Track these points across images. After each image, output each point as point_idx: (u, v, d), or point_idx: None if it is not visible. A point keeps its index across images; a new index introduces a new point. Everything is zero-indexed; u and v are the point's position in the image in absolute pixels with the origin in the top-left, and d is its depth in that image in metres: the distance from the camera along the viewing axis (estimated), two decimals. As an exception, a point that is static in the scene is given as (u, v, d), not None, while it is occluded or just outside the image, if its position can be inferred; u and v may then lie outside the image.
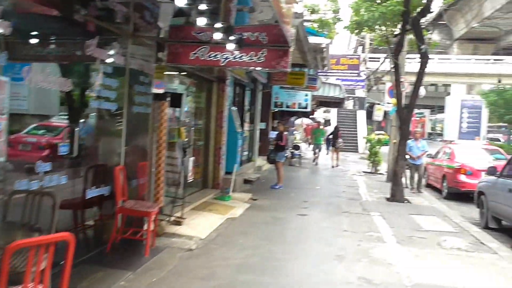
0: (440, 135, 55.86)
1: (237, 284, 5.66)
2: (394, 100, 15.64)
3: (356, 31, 13.19)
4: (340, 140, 22.16)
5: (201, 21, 5.25)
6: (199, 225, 8.25)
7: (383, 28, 13.52)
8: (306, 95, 18.33)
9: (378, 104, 26.75)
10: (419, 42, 11.86)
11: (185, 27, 6.99)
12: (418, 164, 14.09)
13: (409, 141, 13.25)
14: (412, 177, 14.24)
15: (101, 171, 6.51)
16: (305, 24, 10.92)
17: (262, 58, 6.98)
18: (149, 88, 7.08)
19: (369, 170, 19.32)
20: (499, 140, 37.49)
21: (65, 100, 5.78)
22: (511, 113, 29.57)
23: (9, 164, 4.43)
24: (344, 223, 9.13)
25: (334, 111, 38.06)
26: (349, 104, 36.78)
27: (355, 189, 14.18)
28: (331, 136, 22.87)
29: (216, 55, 7.04)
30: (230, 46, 6.71)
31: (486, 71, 41.08)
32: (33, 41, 5.24)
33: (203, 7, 5.30)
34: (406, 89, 15.99)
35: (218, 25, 5.66)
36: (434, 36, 14.64)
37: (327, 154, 24.16)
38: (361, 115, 36.28)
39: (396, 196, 12.15)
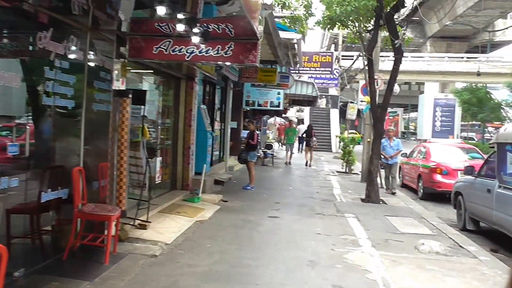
0: (414, 134, 56.45)
1: (202, 294, 5.30)
2: (367, 98, 15.46)
3: (329, 26, 12.91)
4: (314, 139, 21.99)
5: (162, 10, 4.85)
6: (165, 229, 7.85)
7: (356, 24, 13.30)
8: (279, 93, 18.04)
9: (352, 102, 26.64)
10: (393, 37, 11.65)
11: (147, 20, 6.58)
12: (390, 163, 13.86)
13: (382, 140, 13.04)
14: (387, 177, 14.01)
15: (58, 172, 6.07)
16: (276, 20, 10.58)
17: (229, 52, 6.63)
18: (109, 84, 6.64)
19: (343, 170, 19.14)
20: (473, 139, 37.94)
21: (15, 97, 5.29)
22: (484, 112, 29.81)
23: None
24: (318, 226, 8.83)
25: (307, 109, 37.94)
26: (322, 103, 36.68)
27: (329, 189, 13.93)
28: (304, 135, 22.70)
29: (180, 49, 6.67)
30: (195, 39, 6.37)
31: (460, 69, 41.45)
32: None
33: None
34: (380, 86, 15.80)
35: (180, 16, 5.27)
36: (407, 34, 14.48)
37: (300, 152, 23.95)
38: (335, 113, 36.22)
39: (371, 196, 11.92)
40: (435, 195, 13.38)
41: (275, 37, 8.97)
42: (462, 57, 44.18)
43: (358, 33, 14.00)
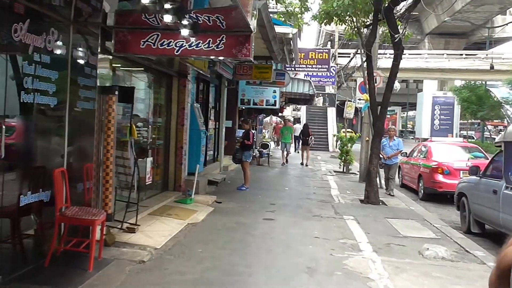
0: (412, 132, 56.19)
1: (191, 304, 4.93)
2: (366, 96, 15.08)
3: (325, 21, 12.53)
4: (311, 137, 21.71)
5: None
6: (155, 232, 7.49)
7: (354, 18, 12.93)
8: (275, 92, 17.64)
9: (349, 101, 26.24)
10: (393, 32, 11.28)
11: (134, 12, 6.20)
12: (389, 164, 13.43)
13: (383, 139, 12.67)
14: (386, 178, 13.59)
15: (39, 174, 5.70)
16: (270, 15, 10.18)
17: (221, 46, 6.26)
18: (94, 81, 6.26)
19: (340, 170, 18.78)
20: (473, 137, 37.67)
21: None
22: (484, 110, 29.48)
23: None
24: (315, 229, 8.46)
25: (303, 108, 37.58)
26: (319, 101, 36.31)
27: (327, 190, 13.57)
28: (300, 135, 22.37)
29: (169, 43, 6.29)
30: (184, 32, 6.00)
31: (459, 66, 41.07)
32: None
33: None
34: (379, 84, 15.44)
35: (167, 5, 4.89)
36: (406, 30, 14.08)
37: (297, 152, 23.59)
38: (332, 112, 35.88)
39: (370, 197, 11.56)
40: (436, 196, 13.01)
41: (270, 31, 8.59)
42: (461, 54, 43.78)
43: (356, 29, 13.62)
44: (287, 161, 20.60)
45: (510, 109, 30.23)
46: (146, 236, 7.23)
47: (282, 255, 6.83)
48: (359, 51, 19.78)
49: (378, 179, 12.89)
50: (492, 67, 30.47)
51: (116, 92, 6.35)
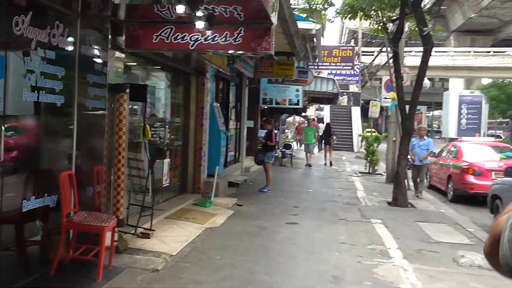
0: (438, 132, 54.95)
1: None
2: (393, 94, 14.49)
3: (349, 15, 12.01)
4: (334, 137, 21.16)
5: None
6: (171, 238, 7.11)
7: (379, 13, 12.38)
8: (297, 91, 17.15)
9: (375, 100, 25.54)
10: (421, 25, 10.69)
11: (146, 4, 5.82)
12: (419, 165, 12.78)
13: (412, 139, 12.06)
14: (415, 180, 12.94)
15: (44, 177, 5.36)
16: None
17: (239, 39, 5.83)
18: (104, 78, 5.90)
19: (366, 171, 18.18)
20: (500, 137, 36.51)
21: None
22: (514, 108, 28.45)
23: None
24: (341, 234, 7.98)
25: (327, 108, 36.90)
26: (343, 100, 35.58)
27: (352, 192, 13.03)
28: (323, 134, 21.83)
29: (184, 37, 5.89)
30: (199, 25, 5.58)
31: (486, 64, 39.78)
32: None
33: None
34: (406, 82, 14.83)
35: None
36: (432, 25, 13.45)
37: (320, 152, 23.02)
38: (356, 111, 35.14)
39: (398, 200, 11.01)
40: (467, 198, 12.36)
41: (292, 24, 8.13)
42: (489, 52, 42.46)
43: (381, 24, 13.04)
44: (310, 163, 19.89)
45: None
46: (161, 242, 6.85)
47: (306, 262, 6.38)
48: (384, 49, 19.17)
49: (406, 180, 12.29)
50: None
51: (128, 90, 5.97)
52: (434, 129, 63.91)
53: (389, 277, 5.78)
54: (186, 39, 5.87)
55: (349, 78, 28.06)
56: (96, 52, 5.90)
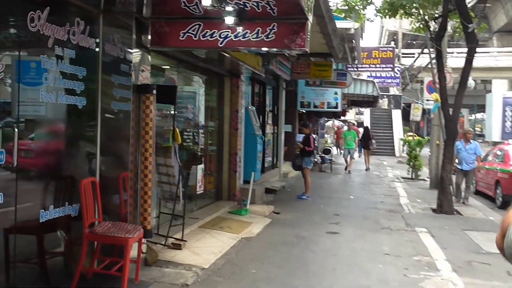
0: (481, 135, 53.05)
1: None
2: (435, 96, 13.75)
3: (390, 13, 11.41)
4: (373, 141, 20.47)
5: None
6: (204, 249, 6.70)
7: (421, 11, 11.73)
8: (336, 93, 16.60)
9: (416, 102, 24.70)
10: (466, 21, 10.01)
11: (172, -1, 5.46)
12: (466, 170, 12.01)
13: (457, 143, 11.33)
14: (458, 186, 12.16)
15: (65, 185, 5.03)
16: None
17: (271, 35, 5.38)
18: (129, 79, 5.55)
19: (408, 176, 17.41)
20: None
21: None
22: None
23: None
24: (385, 244, 7.42)
25: (367, 111, 35.99)
26: (383, 103, 34.65)
27: (395, 198, 12.36)
28: (361, 138, 21.18)
29: (212, 34, 5.48)
30: (229, 20, 5.17)
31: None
32: None
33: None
34: (449, 82, 14.07)
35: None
36: (476, 24, 12.69)
37: (360, 157, 22.29)
38: (397, 115, 34.12)
39: (443, 206, 10.33)
40: (518, 204, 11.50)
41: (329, 22, 7.63)
42: (535, 51, 40.56)
43: (423, 22, 12.37)
44: (350, 169, 19.13)
45: None
46: (193, 253, 6.46)
47: (348, 275, 5.88)
48: (425, 50, 18.38)
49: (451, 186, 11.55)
50: None
51: (154, 91, 5.60)
52: (477, 132, 61.86)
53: (439, 293, 5.21)
54: (215, 36, 5.45)
55: (389, 81, 27.22)
56: (120, 51, 5.56)
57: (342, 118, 28.71)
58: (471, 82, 13.15)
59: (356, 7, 12.78)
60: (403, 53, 33.07)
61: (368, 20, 13.68)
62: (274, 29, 5.38)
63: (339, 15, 12.24)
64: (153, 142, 5.69)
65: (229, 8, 5.13)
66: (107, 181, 5.44)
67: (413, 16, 12.24)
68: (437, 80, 12.15)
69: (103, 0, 5.21)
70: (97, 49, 5.22)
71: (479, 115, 63.75)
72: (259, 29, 5.39)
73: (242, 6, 5.23)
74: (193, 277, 5.59)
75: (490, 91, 48.78)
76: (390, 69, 22.63)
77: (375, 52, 21.72)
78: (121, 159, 5.65)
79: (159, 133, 6.39)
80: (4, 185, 4.10)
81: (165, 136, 6.39)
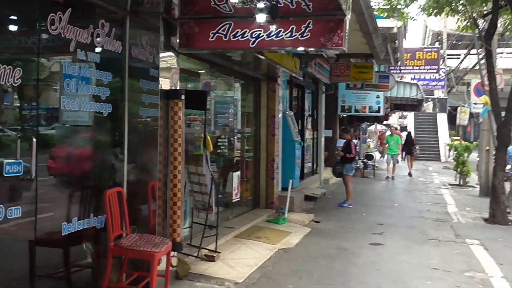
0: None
1: None
2: (485, 99, 12.99)
3: (435, 11, 10.82)
4: (416, 147, 19.76)
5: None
6: (238, 261, 6.37)
7: (468, 8, 11.09)
8: (378, 97, 16.01)
9: (463, 106, 23.72)
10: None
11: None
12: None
13: (509, 148, 10.63)
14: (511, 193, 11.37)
15: (90, 195, 4.79)
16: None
17: (307, 34, 5.02)
18: (157, 83, 5.28)
19: (456, 182, 16.60)
20: None
21: (16, 99, 4.05)
22: None
23: None
24: (433, 257, 6.89)
25: (410, 115, 34.92)
26: (428, 107, 33.52)
27: (442, 206, 11.71)
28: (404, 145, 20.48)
29: (244, 34, 5.16)
30: (261, 18, 4.83)
31: None
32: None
33: None
34: (500, 84, 13.29)
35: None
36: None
37: (403, 161, 21.52)
38: (442, 118, 32.95)
39: (496, 216, 9.66)
40: None
41: (370, 20, 7.18)
42: None
43: (471, 19, 11.70)
44: (393, 175, 18.38)
45: None
46: (227, 265, 6.13)
47: (393, 293, 5.40)
48: (472, 50, 17.56)
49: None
50: None
51: (183, 96, 5.31)
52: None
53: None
54: (247, 35, 5.13)
55: (434, 83, 26.19)
56: (149, 54, 5.31)
57: (385, 122, 27.86)
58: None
59: (399, 6, 12.26)
60: (448, 54, 31.92)
61: (411, 18, 13.11)
62: (310, 26, 5.02)
63: (381, 15, 11.75)
64: (182, 150, 5.40)
65: (260, 5, 4.80)
66: (135, 191, 5.18)
67: (460, 14, 11.61)
68: (486, 82, 11.50)
69: (129, 0, 4.97)
70: (123, 53, 4.97)
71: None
72: (293, 27, 5.04)
73: (274, 3, 4.89)
74: (226, 292, 5.26)
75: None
76: (435, 71, 21.73)
77: (419, 53, 20.89)
78: (149, 168, 5.38)
79: (190, 140, 6.11)
80: (25, 196, 3.90)
81: (196, 144, 6.11)
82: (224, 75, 8.27)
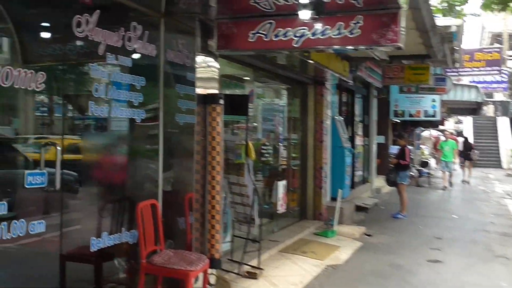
0: None
1: None
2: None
3: (498, 8, 10.07)
4: (475, 151, 18.67)
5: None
6: (282, 278, 5.91)
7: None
8: (434, 101, 15.19)
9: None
10: None
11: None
12: None
13: None
14: None
15: (122, 208, 4.50)
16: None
17: (356, 30, 4.52)
18: (193, 88, 4.94)
19: (522, 192, 15.50)
20: None
21: (39, 104, 3.80)
22: None
23: None
24: (501, 277, 6.20)
25: (467, 120, 33.35)
26: (488, 110, 31.89)
27: (508, 218, 10.79)
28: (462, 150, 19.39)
29: (286, 33, 4.72)
30: (304, 15, 4.40)
31: None
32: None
33: None
34: None
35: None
36: None
37: (462, 167, 20.36)
38: (504, 123, 31.24)
39: None
40: None
41: (427, 15, 6.57)
42: None
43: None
44: (450, 183, 17.31)
45: None
46: (270, 284, 5.69)
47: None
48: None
49: None
50: None
51: (221, 101, 4.94)
52: None
53: None
54: (289, 35, 4.69)
55: (494, 85, 24.84)
56: (185, 57, 5.01)
57: (441, 127, 26.67)
58: None
59: (456, 4, 11.54)
60: (509, 55, 30.33)
61: (472, 15, 12.30)
62: (360, 22, 4.53)
63: (437, 15, 11.06)
64: (221, 159, 5.02)
65: (304, 1, 4.37)
66: (171, 203, 4.87)
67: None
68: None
69: (164, 2, 4.66)
70: (158, 56, 4.69)
71: None
72: (341, 24, 4.56)
73: (320, -3, 4.44)
74: (268, 314, 4.83)
75: None
76: (497, 72, 20.54)
77: (478, 54, 19.81)
78: (186, 178, 5.04)
79: (231, 148, 5.74)
80: (49, 209, 3.64)
81: (237, 152, 5.72)
82: (268, 79, 7.88)
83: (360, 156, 12.68)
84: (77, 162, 4.11)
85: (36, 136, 3.77)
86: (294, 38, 4.70)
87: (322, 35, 4.64)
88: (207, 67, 5.05)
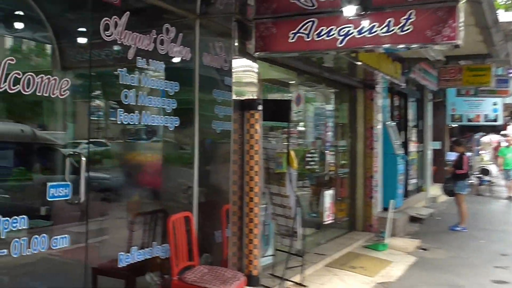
0: None
1: None
2: None
3: None
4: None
5: None
6: (328, 296, 5.51)
7: None
8: (495, 104, 14.33)
9: None
10: None
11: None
12: None
13: None
14: None
15: (153, 221, 4.26)
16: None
17: (408, 27, 4.11)
18: (229, 93, 4.66)
19: None
20: None
21: (63, 113, 3.61)
22: None
23: None
24: None
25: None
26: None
27: None
28: None
29: (329, 32, 4.35)
30: (349, 11, 4.03)
31: None
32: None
33: None
34: None
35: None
36: None
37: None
38: None
39: None
40: None
41: (489, 10, 6.00)
42: None
43: None
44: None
45: None
46: (314, 302, 5.31)
47: None
48: None
49: None
50: None
51: (260, 107, 4.62)
52: None
53: None
54: (333, 34, 4.33)
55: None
56: (222, 61, 4.73)
57: (503, 132, 25.30)
58: None
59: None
60: None
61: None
62: (411, 18, 4.11)
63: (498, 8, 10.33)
64: (259, 169, 4.70)
65: (349, -4, 4.01)
66: (207, 215, 4.59)
67: None
68: None
69: (199, 2, 4.40)
70: (192, 60, 4.43)
71: None
72: (390, 20, 4.16)
73: (366, -7, 4.06)
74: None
75: None
76: None
77: (544, 53, 18.64)
78: (222, 189, 4.75)
79: (272, 156, 5.40)
80: (74, 222, 3.44)
81: (278, 160, 5.38)
82: (314, 82, 7.52)
83: (414, 163, 12.07)
84: (105, 172, 3.90)
85: (61, 145, 3.58)
86: (338, 37, 4.34)
87: (369, 33, 4.25)
88: (245, 71, 4.76)
